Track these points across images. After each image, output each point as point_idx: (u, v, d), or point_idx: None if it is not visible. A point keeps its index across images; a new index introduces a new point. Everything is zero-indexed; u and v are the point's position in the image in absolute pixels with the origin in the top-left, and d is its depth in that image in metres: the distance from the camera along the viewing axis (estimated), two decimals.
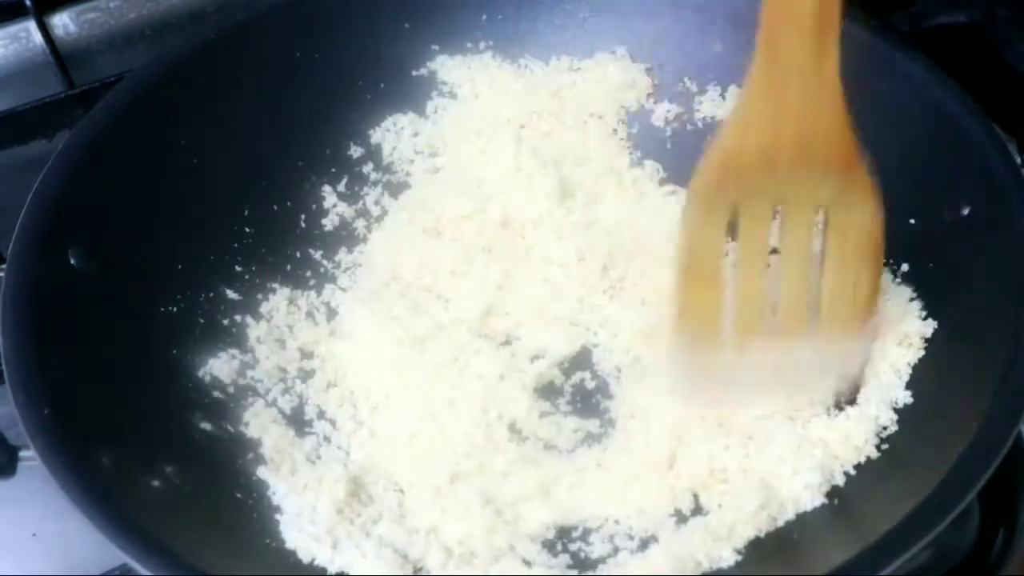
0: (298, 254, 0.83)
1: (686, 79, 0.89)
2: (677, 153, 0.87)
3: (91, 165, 0.76)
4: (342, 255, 0.84)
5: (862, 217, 0.68)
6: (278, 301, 0.80)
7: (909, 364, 0.72)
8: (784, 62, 0.67)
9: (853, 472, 0.68)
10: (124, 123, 0.79)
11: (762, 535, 0.66)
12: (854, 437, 0.69)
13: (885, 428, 0.70)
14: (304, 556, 0.66)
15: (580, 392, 0.77)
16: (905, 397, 0.70)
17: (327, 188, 0.86)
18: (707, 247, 0.68)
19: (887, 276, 0.77)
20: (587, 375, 0.77)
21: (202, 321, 0.77)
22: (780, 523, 0.67)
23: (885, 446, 0.69)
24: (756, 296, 0.69)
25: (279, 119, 0.86)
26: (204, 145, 0.82)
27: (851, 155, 0.66)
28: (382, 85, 0.90)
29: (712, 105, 0.88)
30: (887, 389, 0.71)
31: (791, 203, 0.68)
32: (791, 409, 0.71)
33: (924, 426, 0.68)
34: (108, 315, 0.71)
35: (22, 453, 0.64)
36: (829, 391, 0.72)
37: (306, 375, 0.77)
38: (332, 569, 0.65)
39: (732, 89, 0.88)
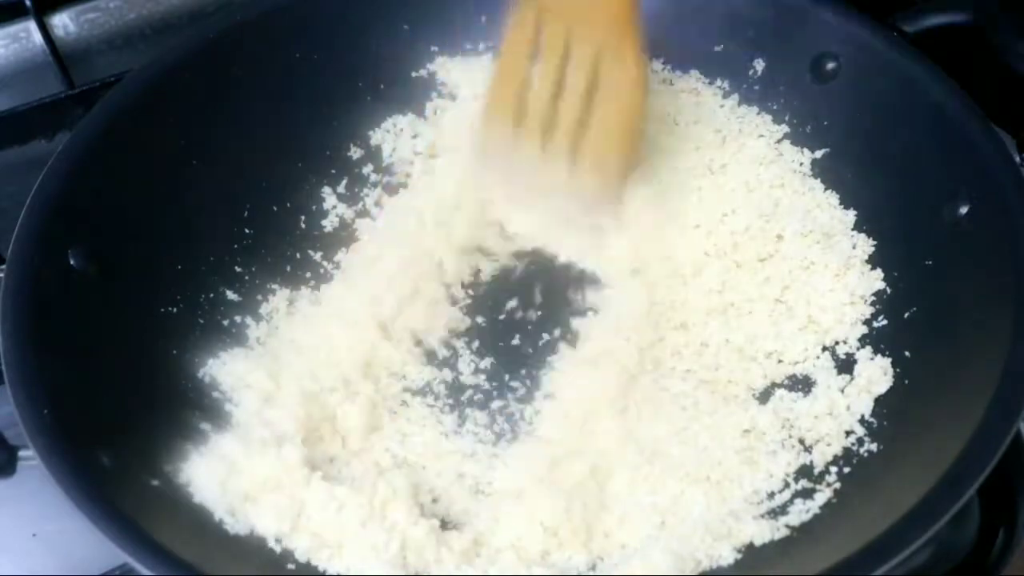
0: (298, 255, 0.83)
1: (686, 79, 0.89)
2: None
3: (91, 165, 0.76)
4: (341, 256, 0.84)
5: (627, 74, 0.77)
6: (278, 302, 0.80)
7: (908, 364, 0.72)
8: None
9: (852, 471, 0.68)
10: (124, 123, 0.79)
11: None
12: (853, 436, 0.69)
13: (884, 427, 0.70)
14: (302, 556, 0.65)
15: None
16: (904, 396, 0.70)
17: (327, 189, 0.86)
18: (516, 59, 0.79)
19: (886, 277, 0.77)
20: None
21: (202, 321, 0.77)
22: (780, 523, 0.67)
23: (883, 445, 0.69)
24: (544, 109, 0.79)
25: (279, 120, 0.86)
26: (204, 145, 0.82)
27: (626, 21, 0.77)
28: (382, 86, 0.90)
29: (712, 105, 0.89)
30: (886, 388, 0.71)
31: (576, 43, 0.77)
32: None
33: (922, 425, 0.68)
34: (108, 315, 0.72)
35: (22, 453, 0.64)
36: (581, 211, 0.81)
37: None
38: (332, 569, 0.65)
39: (731, 89, 0.88)
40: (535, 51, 0.79)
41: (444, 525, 0.68)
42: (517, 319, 0.80)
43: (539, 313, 0.80)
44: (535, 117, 0.80)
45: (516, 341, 0.79)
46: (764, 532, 0.66)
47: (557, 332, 0.79)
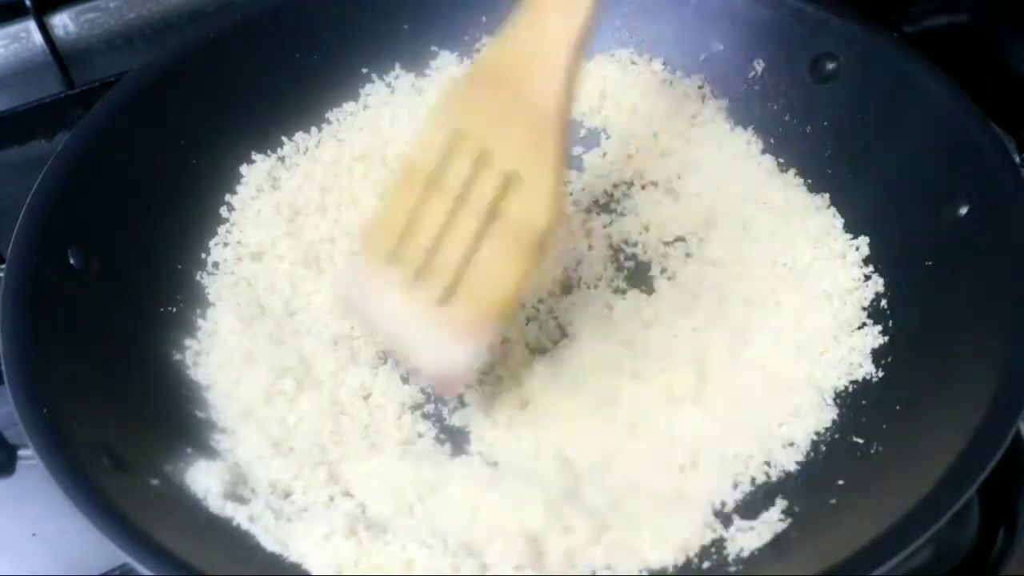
0: None
1: (686, 79, 0.89)
2: None
3: (91, 165, 0.76)
4: None
5: (534, 210, 0.66)
6: None
7: (908, 364, 0.72)
8: (546, 5, 0.66)
9: (853, 471, 0.68)
10: (124, 123, 0.79)
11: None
12: (853, 436, 0.69)
13: (884, 426, 0.70)
14: (300, 557, 0.65)
15: None
16: (904, 396, 0.70)
17: None
18: (412, 183, 0.69)
19: (885, 276, 0.77)
20: None
21: (202, 321, 0.77)
22: (780, 523, 0.67)
23: (883, 445, 0.69)
24: (426, 233, 0.68)
25: (279, 120, 0.86)
26: (204, 145, 0.82)
27: (548, 144, 0.66)
28: (382, 86, 0.90)
29: (712, 105, 0.89)
30: (886, 387, 0.71)
31: (489, 156, 0.67)
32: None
33: (923, 425, 0.68)
34: (108, 315, 0.72)
35: (21, 452, 0.64)
36: (433, 364, 0.70)
37: None
38: (332, 569, 0.65)
39: (731, 89, 0.88)
40: (434, 176, 0.68)
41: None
42: None
43: None
44: (418, 247, 0.69)
45: None
46: (764, 532, 0.66)
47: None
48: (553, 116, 0.66)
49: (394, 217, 0.69)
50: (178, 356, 0.74)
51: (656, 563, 0.65)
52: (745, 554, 0.65)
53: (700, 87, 0.89)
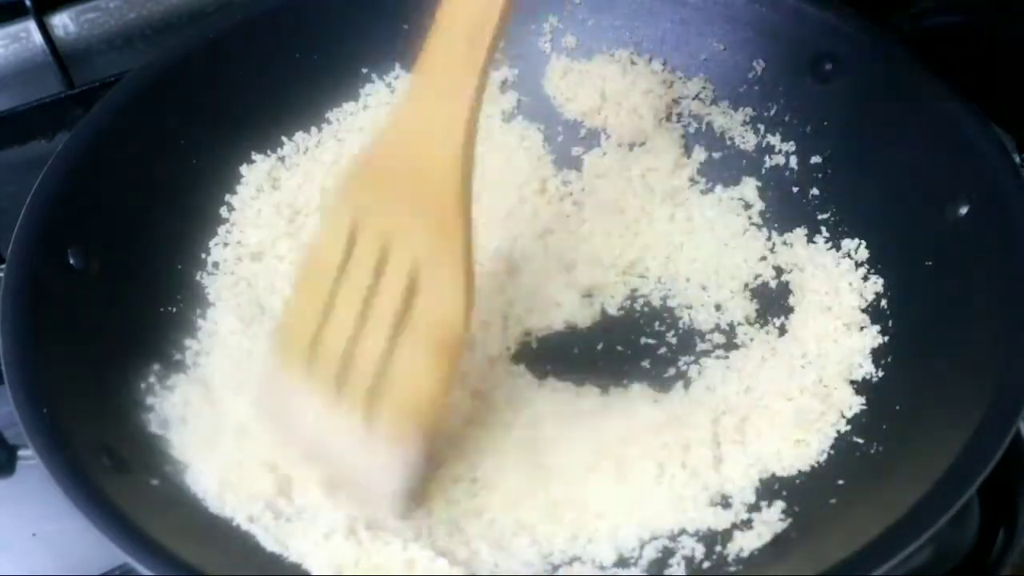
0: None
1: (685, 78, 0.89)
2: None
3: (91, 165, 0.76)
4: None
5: (445, 311, 0.61)
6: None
7: (908, 363, 0.72)
8: (433, 83, 0.62)
9: (853, 471, 0.68)
10: (124, 123, 0.79)
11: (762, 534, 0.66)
12: (853, 435, 0.69)
13: (884, 426, 0.70)
14: (300, 557, 0.65)
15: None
16: (903, 396, 0.70)
17: None
18: (319, 278, 0.64)
19: (886, 276, 0.77)
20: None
21: (202, 321, 0.77)
22: (781, 523, 0.67)
23: (883, 445, 0.69)
24: (337, 336, 0.63)
25: (279, 120, 0.86)
26: (204, 145, 0.82)
27: (454, 224, 0.61)
28: (382, 86, 0.90)
29: (712, 105, 0.89)
30: (886, 387, 0.71)
31: (392, 248, 0.62)
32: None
33: (923, 425, 0.68)
34: (108, 315, 0.72)
35: (21, 452, 0.64)
36: (361, 482, 0.65)
37: None
38: (332, 569, 0.65)
39: (732, 89, 0.88)
40: (340, 269, 0.64)
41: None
42: None
43: None
44: (332, 353, 0.64)
45: None
46: (764, 532, 0.66)
47: None
48: (453, 194, 0.61)
49: (303, 318, 0.64)
50: (178, 356, 0.74)
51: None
52: (745, 554, 0.65)
53: (699, 87, 0.89)
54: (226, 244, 0.81)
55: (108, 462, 0.63)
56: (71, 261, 0.72)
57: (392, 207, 0.63)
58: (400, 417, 0.63)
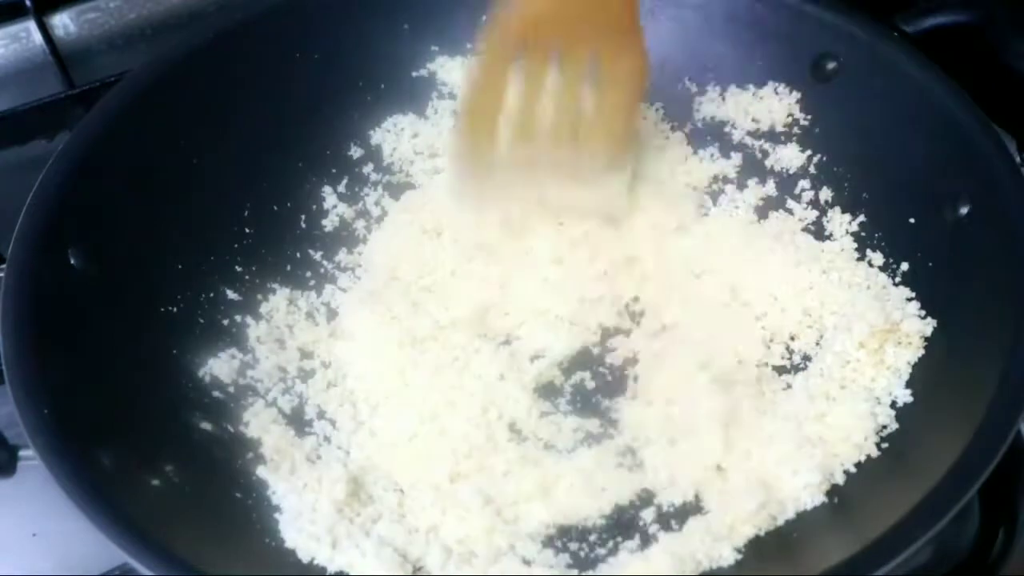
0: (298, 254, 0.83)
1: (686, 79, 0.89)
2: None
3: (91, 165, 0.76)
4: (342, 255, 0.84)
5: (629, 66, 0.76)
6: (278, 301, 0.80)
7: (908, 363, 0.72)
8: None
9: (853, 471, 0.68)
10: (124, 123, 0.79)
11: (762, 534, 0.66)
12: (854, 436, 0.69)
13: (885, 427, 0.70)
14: (303, 555, 0.66)
15: (580, 392, 0.77)
16: (905, 396, 0.71)
17: (327, 189, 0.86)
18: (491, 83, 0.75)
19: (886, 276, 0.77)
20: (587, 375, 0.77)
21: (202, 321, 0.77)
22: (780, 522, 0.67)
23: (885, 445, 0.69)
24: (530, 116, 0.77)
25: (279, 119, 0.86)
26: (204, 145, 0.82)
27: (629, 26, 0.75)
28: (382, 86, 0.90)
29: (712, 105, 0.89)
30: (887, 388, 0.71)
31: (569, 51, 0.75)
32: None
33: (924, 425, 0.68)
34: (108, 315, 0.72)
35: (22, 453, 0.64)
36: (590, 199, 0.81)
37: (306, 375, 0.77)
38: (331, 569, 0.65)
39: (732, 89, 0.88)
40: (507, 73, 0.75)
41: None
42: None
43: None
44: (520, 120, 0.77)
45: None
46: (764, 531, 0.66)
47: None
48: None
49: (489, 96, 0.75)
50: (178, 355, 0.74)
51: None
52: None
53: (700, 87, 0.89)
54: None
55: (108, 462, 0.63)
56: (71, 261, 0.72)
57: (566, 31, 0.74)
58: (607, 146, 0.78)
